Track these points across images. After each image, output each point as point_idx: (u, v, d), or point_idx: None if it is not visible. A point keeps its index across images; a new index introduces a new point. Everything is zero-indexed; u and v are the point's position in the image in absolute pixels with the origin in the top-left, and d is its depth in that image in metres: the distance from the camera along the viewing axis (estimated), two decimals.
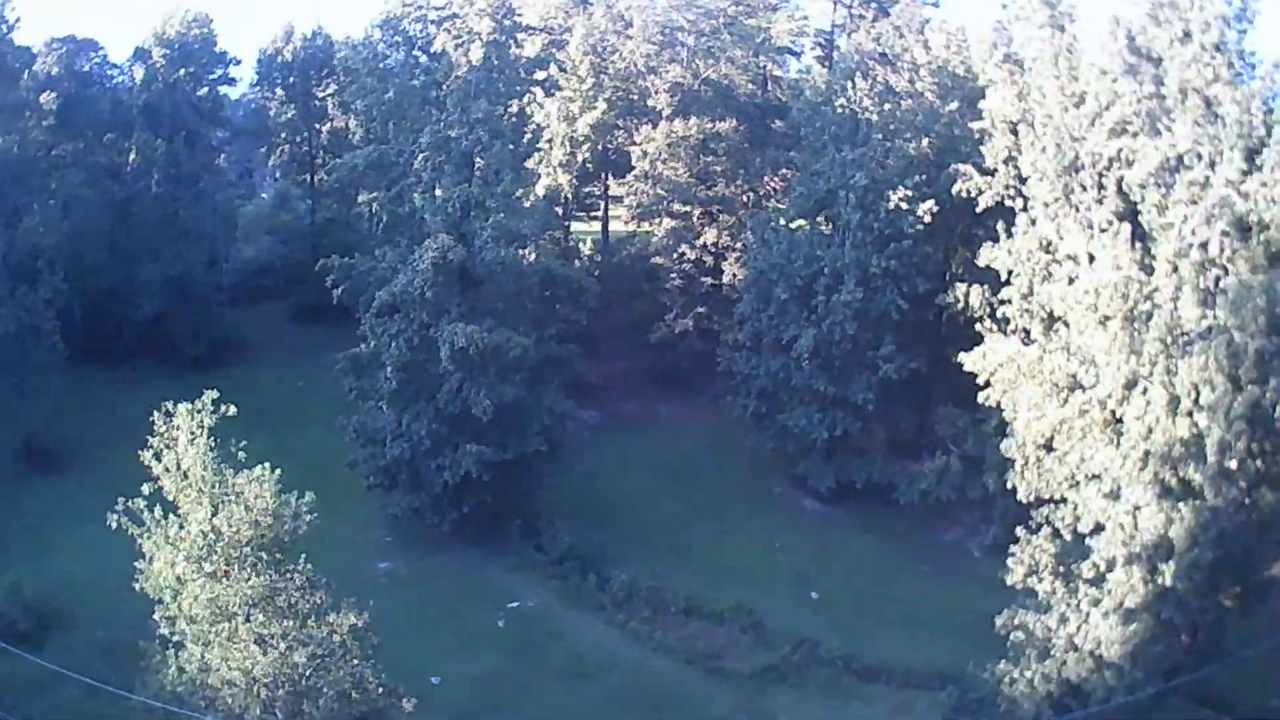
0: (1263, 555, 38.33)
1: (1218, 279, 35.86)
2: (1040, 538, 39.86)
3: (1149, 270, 37.23)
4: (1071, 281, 40.61)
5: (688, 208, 73.11)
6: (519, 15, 61.08)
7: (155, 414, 31.27)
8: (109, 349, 73.25)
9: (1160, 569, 36.03)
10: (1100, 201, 39.33)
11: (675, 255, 73.72)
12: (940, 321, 60.11)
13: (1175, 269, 36.05)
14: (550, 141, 70.32)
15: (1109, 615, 36.83)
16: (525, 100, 63.26)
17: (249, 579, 30.86)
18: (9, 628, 44.45)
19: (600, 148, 74.86)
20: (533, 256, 60.25)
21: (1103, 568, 37.46)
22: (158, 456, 30.98)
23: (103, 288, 74.63)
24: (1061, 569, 38.99)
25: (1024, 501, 41.80)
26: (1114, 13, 38.17)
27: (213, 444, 30.78)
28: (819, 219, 62.54)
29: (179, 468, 30.80)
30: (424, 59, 59.32)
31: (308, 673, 31.33)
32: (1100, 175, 39.22)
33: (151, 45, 77.78)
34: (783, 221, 63.60)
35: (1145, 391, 36.30)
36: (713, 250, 74.39)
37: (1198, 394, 34.97)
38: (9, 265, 63.48)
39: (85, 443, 63.38)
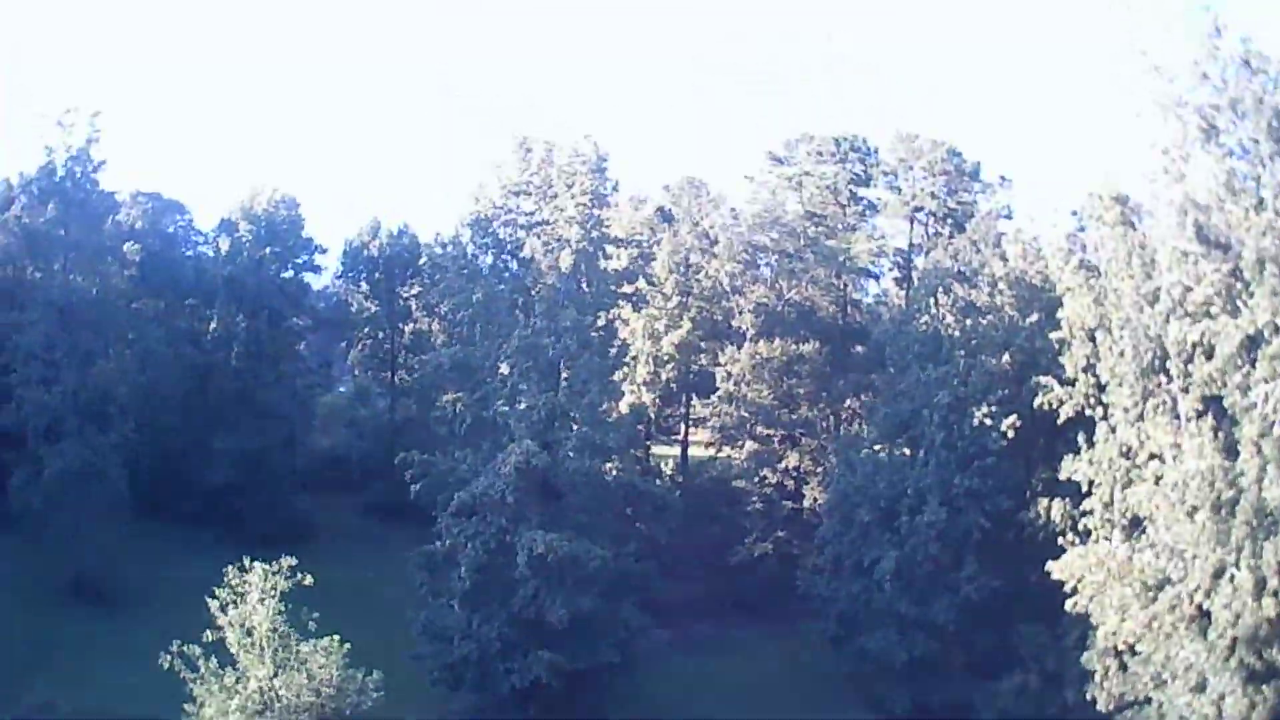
0: None
1: None
2: None
3: (1234, 455, 36.53)
4: (1157, 480, 39.90)
5: (770, 430, 73.22)
6: (607, 227, 62.31)
7: (230, 568, 31.54)
8: (178, 509, 73.21)
9: None
10: (1185, 391, 38.87)
11: (757, 479, 73.65)
12: (1021, 538, 59.01)
13: (1259, 450, 35.39)
14: (635, 358, 71.14)
15: None
16: (612, 314, 64.00)
17: None
18: None
19: (684, 368, 75.59)
20: (616, 471, 60.21)
21: None
22: (224, 609, 31.04)
23: (175, 449, 75.25)
24: None
25: (1104, 712, 40.31)
26: (1182, 197, 38.43)
27: (282, 609, 30.68)
28: (900, 440, 62.20)
29: (243, 625, 30.84)
30: (513, 264, 60.47)
31: None
32: (1185, 365, 38.87)
33: (238, 218, 79.88)
34: (866, 441, 63.45)
35: (1233, 579, 35.27)
36: (794, 474, 74.23)
37: None
38: (79, 404, 64.20)
39: (140, 590, 63.66)
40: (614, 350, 63.71)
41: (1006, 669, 56.42)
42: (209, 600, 31.44)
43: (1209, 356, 37.96)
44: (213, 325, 79.81)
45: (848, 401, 74.99)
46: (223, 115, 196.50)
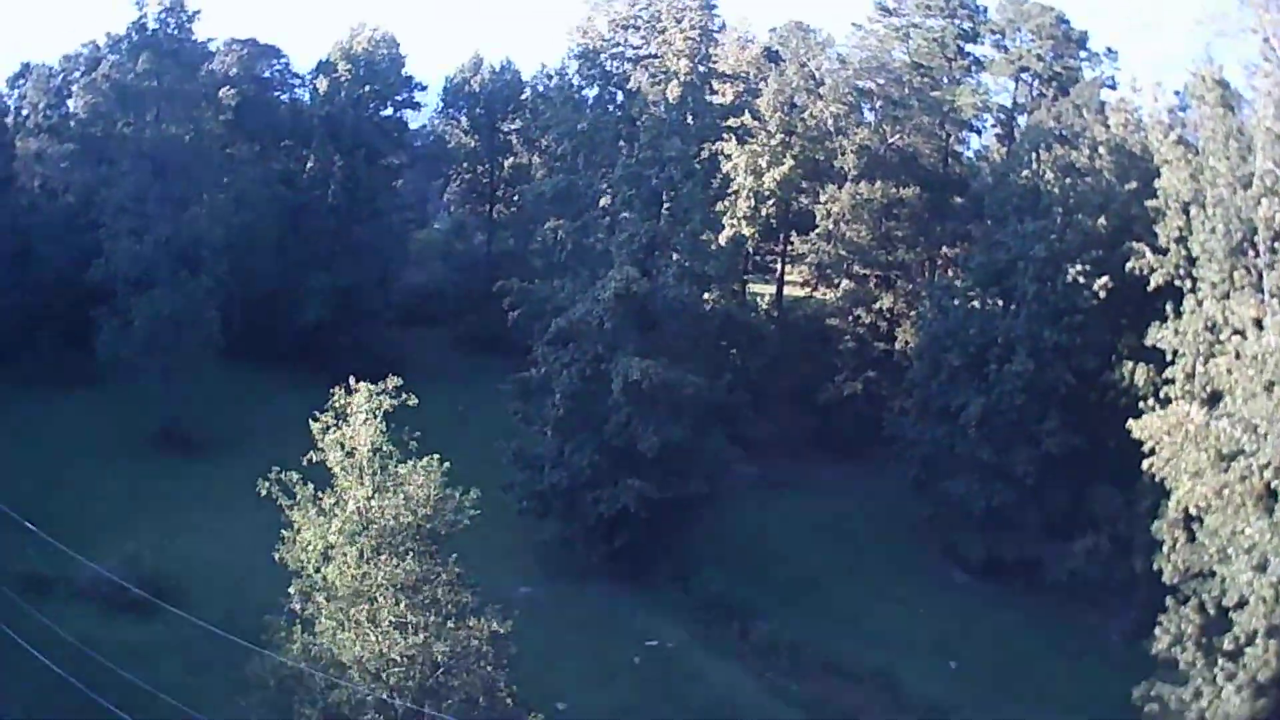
0: None
1: None
2: (1188, 609, 39.17)
3: None
4: (1238, 355, 40.07)
5: (866, 271, 73.49)
6: (714, 63, 62.12)
7: (336, 389, 31.90)
8: (268, 350, 74.41)
9: None
10: (1272, 268, 38.81)
11: (850, 318, 74.22)
12: (1103, 400, 59.29)
13: None
14: (736, 193, 71.26)
15: (1241, 690, 36.23)
16: (716, 147, 63.89)
17: (399, 564, 31.04)
18: (119, 595, 44.25)
19: (784, 205, 75.68)
20: (714, 301, 60.95)
21: (1242, 640, 36.77)
22: (326, 430, 31.47)
23: (268, 290, 75.79)
24: (1204, 641, 38.20)
25: (1169, 584, 41.06)
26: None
27: (383, 430, 31.22)
28: (994, 290, 62.38)
29: (343, 446, 31.30)
30: (619, 96, 60.58)
31: (439, 671, 31.49)
32: (1273, 243, 38.76)
33: (337, 59, 79.61)
34: (959, 286, 63.95)
35: None
36: (888, 316, 74.68)
37: None
38: (171, 251, 65.04)
39: (229, 435, 65.35)
40: (716, 182, 63.79)
41: (1079, 530, 57.54)
42: (311, 422, 31.85)
43: None
44: (309, 165, 79.98)
45: (944, 249, 74.87)
46: None
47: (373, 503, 30.91)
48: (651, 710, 47.22)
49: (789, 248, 79.64)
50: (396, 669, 31.24)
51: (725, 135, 65.61)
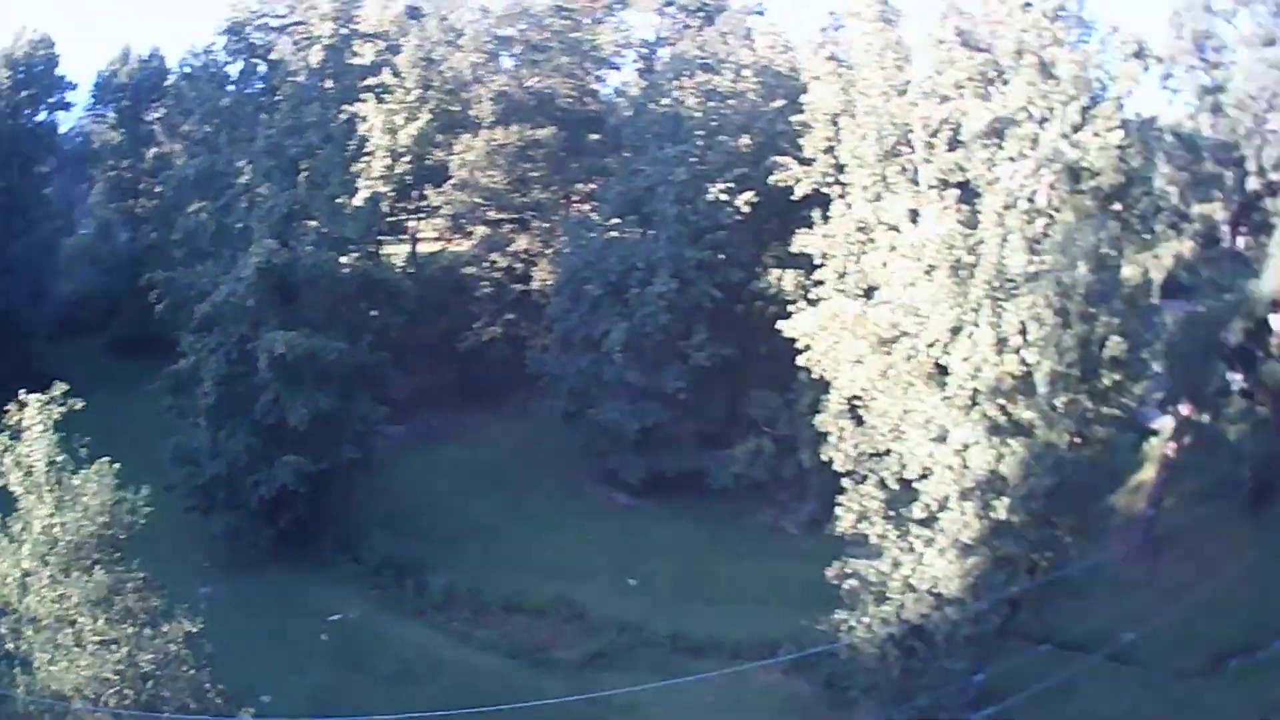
0: (1097, 489, 39.54)
1: (1045, 227, 37.44)
2: (868, 486, 40.08)
3: (974, 225, 38.51)
4: (893, 249, 41.66)
5: (501, 214, 73.03)
6: (356, 24, 60.48)
7: (10, 406, 29.91)
8: None
9: (993, 504, 36.71)
10: (928, 161, 40.66)
11: (486, 264, 73.42)
12: (752, 310, 61.02)
13: (1002, 221, 37.41)
14: (372, 153, 69.60)
15: (945, 552, 37.16)
16: (355, 108, 62.62)
17: (89, 579, 29.42)
18: None
19: (419, 161, 74.21)
20: (351, 264, 59.42)
21: (934, 507, 37.80)
22: (4, 450, 29.58)
23: None
24: (891, 514, 39.14)
25: (842, 472, 42.19)
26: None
27: (55, 441, 29.64)
28: (633, 219, 62.86)
29: (20, 465, 29.55)
30: (262, 67, 58.04)
31: (149, 683, 30.06)
32: (929, 141, 40.60)
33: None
34: (597, 219, 64.09)
35: (971, 335, 37.27)
36: (524, 258, 74.31)
37: (1025, 332, 36.16)
38: None
39: None
40: (353, 145, 62.40)
41: (741, 438, 59.16)
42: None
43: (955, 137, 39.84)
44: None
45: (580, 186, 75.15)
46: None
47: (54, 519, 29.24)
48: (350, 685, 45.68)
49: (424, 202, 77.89)
50: (111, 690, 29.49)
51: (364, 96, 64.13)
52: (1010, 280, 37.18)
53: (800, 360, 46.39)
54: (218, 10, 61.20)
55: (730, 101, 62.91)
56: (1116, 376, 37.77)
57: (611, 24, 78.26)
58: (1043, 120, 38.04)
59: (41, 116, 78.87)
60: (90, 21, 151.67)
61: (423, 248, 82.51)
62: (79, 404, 29.67)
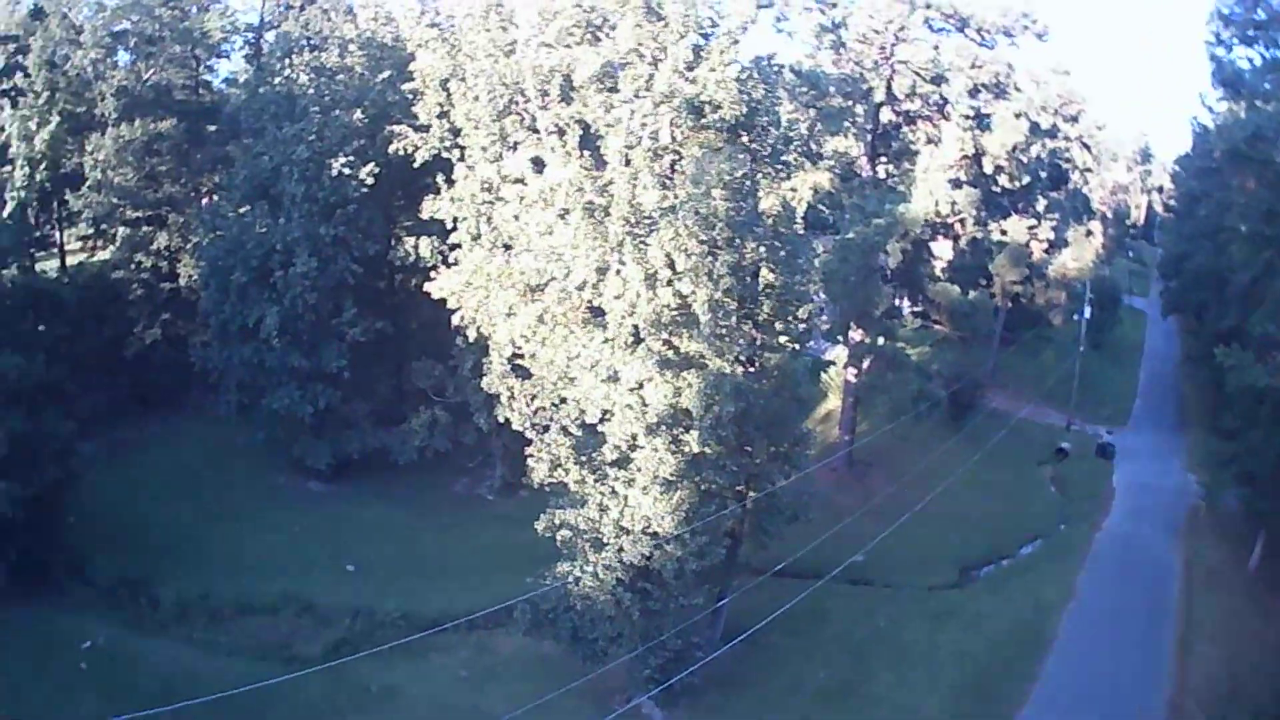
0: (784, 414, 40.57)
1: (673, 163, 38.08)
2: (552, 434, 40.52)
3: (601, 166, 38.94)
4: (522, 199, 41.84)
5: (139, 212, 70.77)
6: None
7: None
8: None
9: (683, 438, 37.61)
10: (545, 108, 40.85)
11: (134, 265, 71.29)
12: (395, 283, 60.76)
13: (628, 161, 37.88)
14: (13, 162, 66.26)
15: (648, 490, 37.84)
16: None
17: None
18: None
19: (56, 166, 71.15)
20: (14, 272, 57.14)
21: (624, 448, 38.48)
22: None
23: None
24: (583, 459, 39.61)
25: (520, 429, 42.46)
26: None
27: None
28: (263, 202, 61.76)
29: None
30: None
31: None
32: (543, 85, 40.75)
33: None
34: (230, 207, 62.80)
35: (619, 272, 37.81)
36: (168, 254, 72.38)
37: (674, 265, 36.73)
38: None
39: None
40: None
41: (410, 409, 59.33)
42: None
43: (568, 84, 40.04)
44: None
45: (207, 177, 73.39)
46: None
47: None
48: (122, 710, 43.84)
49: (66, 209, 74.69)
50: None
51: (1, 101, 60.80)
52: (648, 217, 37.91)
53: (454, 320, 46.62)
54: None
55: (340, 77, 62.14)
56: (774, 303, 38.96)
57: (217, 10, 76.01)
58: (655, 61, 38.72)
59: None
60: None
61: (71, 260, 79.17)
62: None
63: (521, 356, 43.12)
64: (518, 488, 44.70)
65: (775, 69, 43.33)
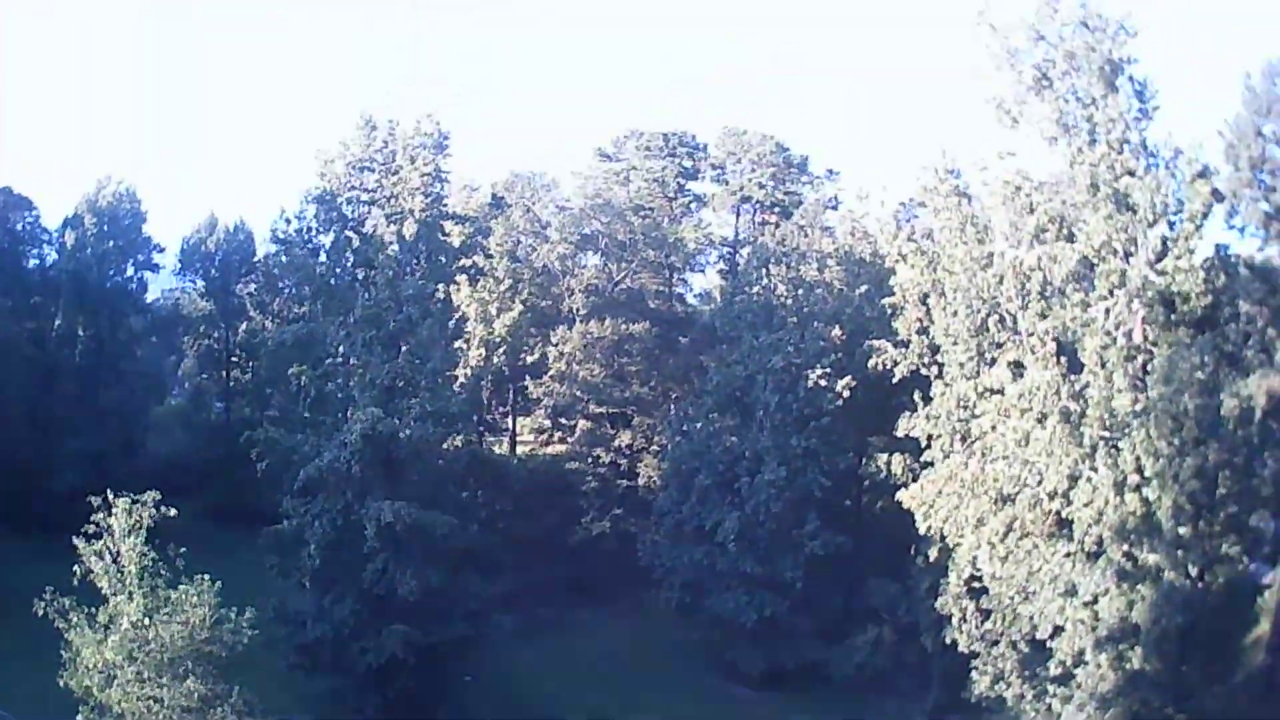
0: (1228, 632, 38.77)
1: (1144, 364, 37.39)
2: (1001, 648, 39.78)
3: (1075, 370, 38.62)
4: (1000, 412, 41.62)
5: (602, 409, 73.83)
6: (445, 205, 62.10)
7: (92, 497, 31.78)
8: (21, 518, 69.37)
9: (1127, 655, 36.35)
10: (1025, 307, 40.88)
11: (590, 459, 74.14)
12: (862, 498, 60.72)
13: (1103, 363, 37.47)
14: (469, 340, 70.81)
15: (1084, 707, 36.91)
16: (450, 288, 63.40)
17: (183, 687, 30.39)
18: None
19: (515, 355, 75.50)
20: (458, 442, 59.98)
21: (1069, 663, 37.46)
22: (89, 539, 31.09)
23: (21, 458, 72.51)
24: (1026, 673, 38.80)
25: (966, 652, 41.72)
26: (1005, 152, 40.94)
27: (149, 548, 30.88)
28: (733, 411, 63.47)
29: (114, 559, 30.92)
30: (355, 240, 59.57)
31: None
32: (1023, 284, 40.92)
33: (84, 211, 78.41)
34: (700, 413, 64.66)
35: (1090, 479, 37.16)
36: (627, 453, 74.95)
37: (1141, 469, 35.90)
38: None
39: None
40: (452, 324, 62.89)
41: (857, 627, 58.43)
42: (75, 540, 31.68)
43: (1045, 284, 40.13)
44: (57, 323, 78.49)
45: (676, 384, 76.03)
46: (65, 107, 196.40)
47: (147, 621, 30.43)
48: None
49: (522, 396, 78.86)
50: None
51: (457, 280, 65.32)
52: (1120, 422, 37.13)
53: (921, 529, 46.19)
54: (304, 180, 61.98)
55: (818, 291, 64.04)
56: (1233, 509, 37.32)
57: (691, 222, 79.97)
58: (1126, 255, 38.35)
59: (129, 272, 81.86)
60: (171, 181, 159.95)
61: (521, 449, 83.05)
62: (172, 512, 31.87)
63: (979, 579, 42.31)
64: (950, 710, 43.20)
65: (1234, 259, 42.08)
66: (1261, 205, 59.68)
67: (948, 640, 43.83)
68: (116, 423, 76.13)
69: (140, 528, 30.95)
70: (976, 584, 42.87)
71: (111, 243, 78.82)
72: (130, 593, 30.56)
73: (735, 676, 62.20)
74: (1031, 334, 41.10)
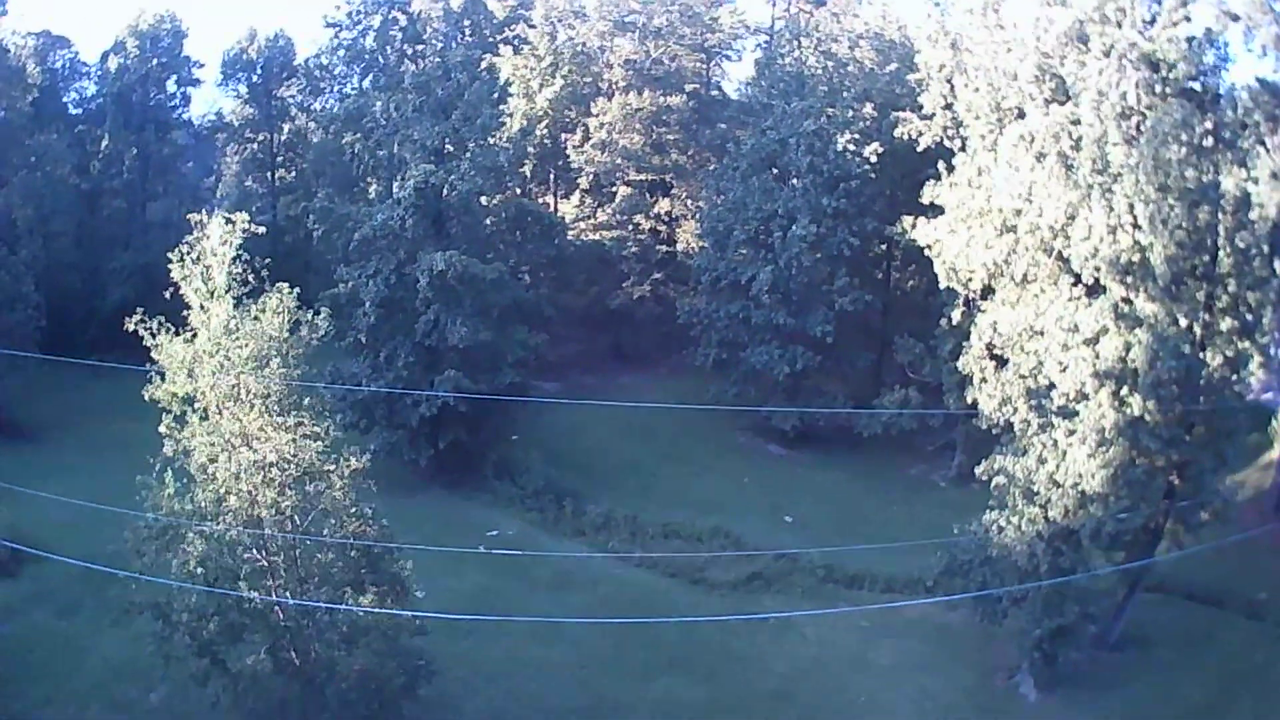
0: (1222, 384, 40.26)
1: (1138, 124, 38.57)
2: (1009, 373, 41.68)
3: (1075, 122, 39.85)
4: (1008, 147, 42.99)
5: (642, 175, 75.24)
6: None
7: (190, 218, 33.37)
8: (77, 341, 70.00)
9: (1127, 398, 38.01)
10: (1024, 60, 42.02)
11: (631, 225, 75.89)
12: (890, 268, 62.26)
13: (1099, 118, 38.71)
14: (511, 114, 72.15)
15: (1086, 442, 38.45)
16: (495, 59, 64.97)
17: (266, 370, 31.88)
18: None
19: (556, 126, 76.78)
20: (504, 196, 62.21)
21: (1072, 396, 39.20)
22: (181, 259, 32.48)
23: (71, 281, 75.27)
24: (1033, 402, 40.68)
25: (987, 413, 43.38)
26: None
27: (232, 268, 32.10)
28: (766, 175, 64.96)
29: (205, 280, 32.33)
30: (402, 19, 60.50)
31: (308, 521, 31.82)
32: (1036, 40, 41.94)
33: (126, 37, 79.83)
34: (736, 175, 66.25)
35: (1085, 218, 38.72)
36: (666, 220, 76.69)
37: (1134, 213, 37.38)
38: None
39: (56, 420, 63.64)
40: (497, 93, 63.52)
41: (885, 388, 60.84)
42: (169, 261, 33.03)
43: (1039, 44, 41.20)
44: (104, 145, 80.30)
45: (714, 155, 76.20)
46: None
47: (236, 316, 31.65)
48: (509, 588, 47.47)
49: (567, 171, 79.86)
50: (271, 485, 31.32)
51: (500, 50, 66.35)
52: (1114, 172, 38.26)
53: (937, 269, 47.66)
54: None
55: (848, 67, 65.20)
56: (1229, 264, 38.48)
57: (728, 7, 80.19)
58: (1118, 24, 39.27)
59: (172, 88, 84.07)
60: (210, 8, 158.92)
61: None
62: (260, 229, 33.36)
63: (996, 348, 43.92)
64: (972, 479, 45.14)
65: (1225, 45, 42.58)
66: (1274, 29, 59.33)
67: (969, 400, 45.56)
68: (165, 235, 76.47)
69: (230, 243, 32.05)
70: (996, 354, 44.46)
71: (155, 61, 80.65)
72: (219, 296, 31.92)
73: (768, 433, 65.14)
74: (1031, 80, 42.06)
